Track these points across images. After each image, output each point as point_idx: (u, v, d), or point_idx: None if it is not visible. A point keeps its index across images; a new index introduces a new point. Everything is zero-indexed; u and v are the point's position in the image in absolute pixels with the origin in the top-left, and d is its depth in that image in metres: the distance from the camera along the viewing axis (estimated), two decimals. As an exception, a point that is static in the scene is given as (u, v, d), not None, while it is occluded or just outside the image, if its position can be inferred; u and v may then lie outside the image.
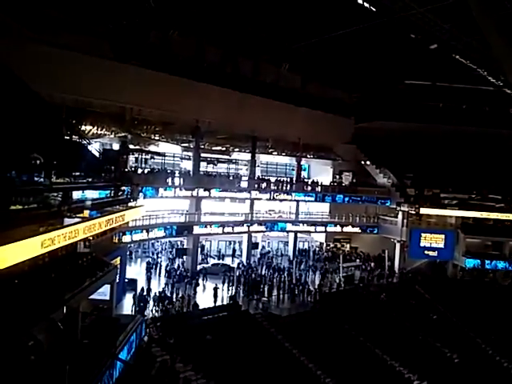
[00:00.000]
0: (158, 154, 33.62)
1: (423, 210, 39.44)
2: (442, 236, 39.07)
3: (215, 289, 28.30)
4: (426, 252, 39.40)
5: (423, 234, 39.17)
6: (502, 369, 30.75)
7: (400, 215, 40.62)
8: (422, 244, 39.13)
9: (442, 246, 39.02)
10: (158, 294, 26.25)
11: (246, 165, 40.37)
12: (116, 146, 31.60)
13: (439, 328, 32.11)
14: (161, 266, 32.61)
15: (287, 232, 40.72)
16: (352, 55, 36.05)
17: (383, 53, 35.32)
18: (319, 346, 25.72)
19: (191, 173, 34.51)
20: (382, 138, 43.40)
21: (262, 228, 38.19)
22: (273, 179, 40.73)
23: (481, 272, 40.25)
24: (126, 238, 27.50)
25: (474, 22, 25.17)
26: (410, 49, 33.93)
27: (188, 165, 35.94)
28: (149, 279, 29.42)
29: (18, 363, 10.79)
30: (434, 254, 39.39)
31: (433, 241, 39.10)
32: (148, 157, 31.17)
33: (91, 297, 16.69)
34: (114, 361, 15.52)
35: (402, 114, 44.27)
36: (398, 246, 40.57)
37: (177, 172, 34.87)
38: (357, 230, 42.15)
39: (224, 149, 38.34)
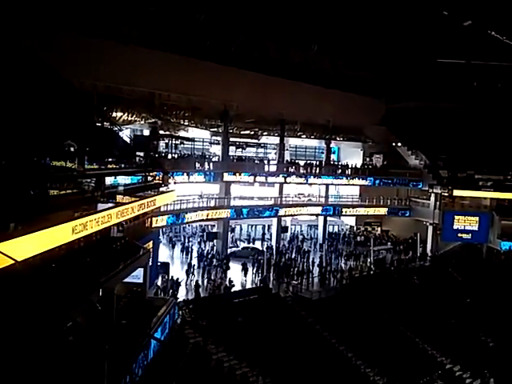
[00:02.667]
0: (188, 139, 33.83)
1: (456, 192, 38.53)
2: (476, 218, 38.16)
3: (244, 267, 29.06)
4: (459, 235, 38.55)
5: (456, 217, 38.34)
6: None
7: (432, 197, 39.85)
8: (455, 227, 38.32)
9: (476, 228, 38.12)
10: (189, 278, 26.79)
11: (274, 149, 40.21)
12: (146, 132, 32.02)
13: (473, 312, 31.63)
14: (192, 249, 33.09)
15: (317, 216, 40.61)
16: (383, 34, 35.13)
17: (415, 31, 34.30)
18: (350, 328, 25.79)
19: (220, 157, 34.66)
20: (414, 119, 42.36)
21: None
22: (302, 163, 40.53)
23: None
24: (159, 222, 27.94)
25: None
26: (442, 26, 32.85)
27: (217, 149, 36.09)
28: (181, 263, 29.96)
29: (57, 344, 11.21)
30: (468, 236, 38.52)
31: (466, 223, 38.24)
32: (178, 142, 31.43)
33: (125, 280, 17.15)
34: (149, 341, 15.97)
35: (434, 94, 42.99)
36: (430, 228, 39.88)
37: (207, 157, 35.10)
38: (385, 211, 41.77)
39: (252, 133, 38.25)
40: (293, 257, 34.43)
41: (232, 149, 36.45)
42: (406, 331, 27.69)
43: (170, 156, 30.79)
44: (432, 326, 28.71)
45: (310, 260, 33.32)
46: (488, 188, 39.14)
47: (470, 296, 33.49)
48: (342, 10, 30.90)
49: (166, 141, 31.34)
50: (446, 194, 38.84)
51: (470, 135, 41.21)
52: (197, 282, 26.36)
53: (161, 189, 24.04)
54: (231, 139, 35.91)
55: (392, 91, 44.49)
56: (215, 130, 35.30)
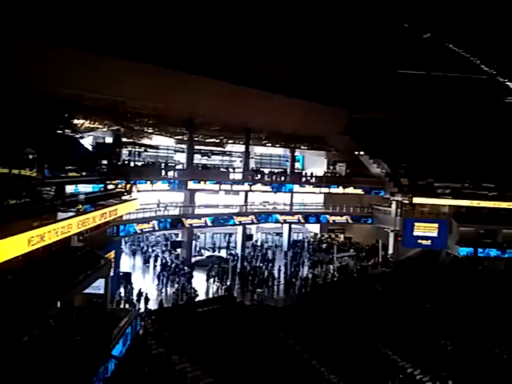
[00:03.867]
0: (152, 146, 33.55)
1: (416, 200, 39.70)
2: (436, 225, 39.32)
3: (208, 276, 29.20)
4: (419, 241, 39.63)
5: (416, 224, 39.41)
6: (493, 354, 31.22)
7: (393, 205, 40.86)
8: (415, 233, 39.38)
9: (435, 234, 39.28)
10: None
11: (240, 157, 40.33)
12: (109, 140, 31.52)
13: (432, 316, 32.51)
14: (155, 259, 32.71)
15: (281, 223, 40.87)
16: (345, 45, 35.96)
17: (377, 43, 35.25)
18: (313, 335, 26.00)
19: (185, 165, 34.48)
20: (376, 129, 43.41)
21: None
22: (267, 171, 40.80)
23: (474, 260, 40.66)
24: (120, 232, 27.52)
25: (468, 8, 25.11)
26: (403, 39, 33.89)
27: (182, 157, 35.90)
28: (143, 273, 29.56)
29: (13, 359, 10.87)
30: (428, 242, 39.64)
31: (426, 230, 39.36)
32: (141, 150, 31.10)
33: (86, 291, 16.78)
34: (109, 354, 15.66)
35: (395, 105, 44.18)
36: (391, 235, 40.81)
37: (171, 164, 34.85)
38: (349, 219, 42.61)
39: (218, 141, 38.23)
40: (258, 265, 34.47)
41: (197, 157, 36.32)
42: (369, 337, 28.17)
43: (133, 164, 30.39)
44: (393, 332, 29.31)
45: (275, 268, 33.46)
46: (446, 195, 40.49)
47: (430, 301, 34.42)
48: (306, 21, 31.45)
49: (130, 148, 30.96)
50: (407, 202, 39.92)
51: (429, 144, 42.52)
52: (160, 291, 26.07)
53: (123, 197, 23.71)
54: (196, 147, 35.81)
55: (355, 101, 45.48)
56: (180, 137, 35.10)
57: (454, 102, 45.42)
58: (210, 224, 34.89)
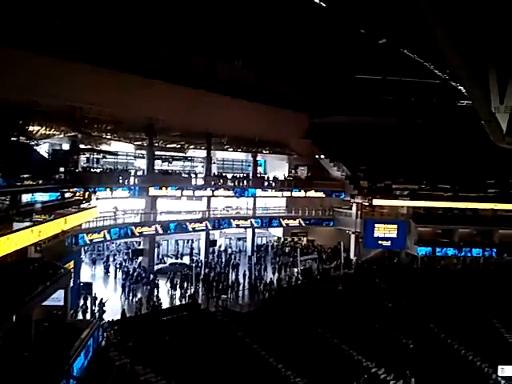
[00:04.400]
0: (111, 153, 32.86)
1: (376, 202, 40.61)
2: (395, 226, 40.28)
3: (172, 283, 28.81)
4: (379, 242, 40.51)
5: (377, 225, 40.27)
6: (454, 351, 32.25)
7: (354, 207, 41.59)
8: (375, 234, 40.23)
9: (394, 235, 40.23)
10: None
11: (201, 162, 40.07)
12: (66, 146, 30.65)
13: (394, 315, 33.25)
14: (116, 268, 32.01)
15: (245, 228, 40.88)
16: (305, 50, 36.41)
17: (335, 48, 35.85)
18: (278, 339, 26.05)
19: (145, 171, 33.93)
20: (336, 133, 44.12)
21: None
22: (229, 176, 40.73)
23: (432, 259, 41.96)
24: (80, 241, 26.75)
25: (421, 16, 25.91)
26: (360, 44, 34.58)
27: (142, 163, 35.31)
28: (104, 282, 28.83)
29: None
30: (388, 243, 40.58)
31: (386, 231, 40.27)
32: (100, 156, 30.42)
33: (45, 303, 16.21)
34: (69, 367, 15.15)
35: (353, 109, 45.12)
36: (352, 237, 41.52)
37: (131, 171, 34.21)
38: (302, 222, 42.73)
39: (179, 146, 37.90)
40: (222, 270, 34.26)
41: (158, 162, 35.82)
42: (333, 338, 28.49)
43: (91, 171, 29.65)
44: (357, 332, 29.77)
45: (240, 273, 33.37)
46: (405, 197, 41.60)
47: (391, 300, 35.20)
48: (265, 25, 31.64)
49: (88, 155, 30.21)
50: (367, 204, 40.74)
51: (387, 147, 43.58)
52: (124, 301, 25.51)
53: (82, 205, 23.13)
54: (157, 153, 35.31)
55: (315, 106, 46.19)
56: (140, 143, 34.55)
57: (409, 105, 46.88)
58: (160, 232, 33.81)
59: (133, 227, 31.94)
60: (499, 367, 31.13)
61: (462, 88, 30.69)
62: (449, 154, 43.75)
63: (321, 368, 25.33)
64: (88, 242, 28.45)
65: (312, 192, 42.75)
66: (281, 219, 42.07)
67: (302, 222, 42.51)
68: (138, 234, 32.50)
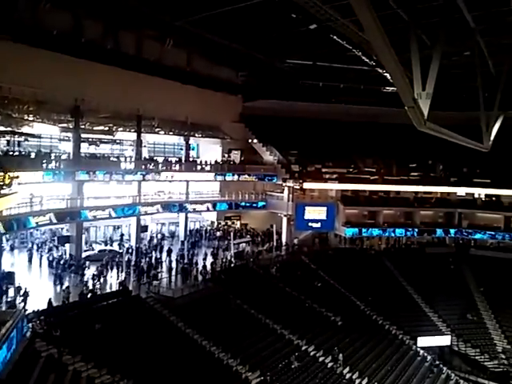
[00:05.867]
0: (33, 135, 31.05)
1: (306, 185, 41.60)
2: (324, 208, 41.53)
3: (101, 270, 28.07)
4: (310, 224, 41.68)
5: (307, 208, 41.33)
6: (379, 327, 34.20)
7: (286, 191, 42.37)
8: (306, 217, 41.29)
9: (324, 217, 41.52)
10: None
11: (131, 145, 38.89)
12: (-17, 129, 28.56)
13: (323, 294, 34.61)
14: (41, 255, 30.59)
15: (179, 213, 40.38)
16: (236, 33, 36.03)
17: (267, 31, 35.74)
18: (213, 323, 26.28)
19: (71, 155, 32.41)
20: (268, 117, 44.58)
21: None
22: (161, 159, 39.92)
23: (361, 240, 43.95)
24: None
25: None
26: (292, 28, 34.71)
27: (68, 146, 33.66)
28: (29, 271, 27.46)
29: None
30: (318, 225, 41.83)
31: (316, 213, 41.44)
32: (21, 139, 28.69)
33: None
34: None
35: (284, 93, 45.68)
36: (284, 220, 42.40)
37: (56, 155, 32.53)
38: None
39: (107, 129, 36.48)
40: (154, 256, 33.74)
41: (85, 146, 34.31)
42: (266, 319, 29.16)
43: (12, 154, 27.88)
44: (288, 312, 30.69)
45: (173, 258, 33.05)
46: (333, 180, 43.01)
47: (320, 280, 36.57)
48: (196, 6, 30.95)
49: (8, 138, 28.36)
50: (298, 187, 41.65)
51: (317, 132, 44.68)
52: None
53: (2, 191, 21.81)
54: (83, 135, 33.77)
55: (248, 89, 46.21)
56: (65, 125, 32.90)
57: (338, 91, 48.11)
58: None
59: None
60: (418, 338, 33.53)
61: (388, 75, 31.79)
62: (375, 138, 45.62)
63: (254, 349, 25.95)
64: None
65: (245, 176, 42.98)
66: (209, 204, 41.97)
67: (201, 206, 41.73)
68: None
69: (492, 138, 30.18)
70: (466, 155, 39.19)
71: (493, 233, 42.68)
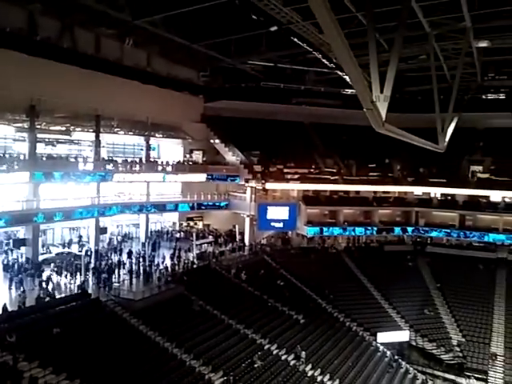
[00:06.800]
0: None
1: (269, 185, 41.92)
2: (286, 208, 41.94)
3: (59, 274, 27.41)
4: (272, 224, 41.99)
5: (269, 208, 41.62)
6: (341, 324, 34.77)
7: (248, 191, 42.49)
8: (269, 217, 41.58)
9: (286, 217, 41.91)
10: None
11: (89, 145, 37.97)
12: None
13: (284, 293, 34.91)
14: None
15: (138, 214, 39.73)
16: (197, 33, 35.86)
17: (228, 33, 35.75)
18: (174, 325, 26.09)
19: (27, 156, 31.36)
20: (230, 117, 44.70)
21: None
22: (120, 160, 39.18)
23: (322, 239, 44.63)
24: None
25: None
26: (252, 30, 34.85)
27: (23, 147, 32.55)
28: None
29: None
30: (280, 225, 42.20)
31: (278, 213, 41.78)
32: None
33: None
34: None
35: (246, 94, 45.85)
36: (247, 220, 42.51)
37: (8, 155, 31.43)
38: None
39: (64, 128, 35.52)
40: (114, 258, 33.10)
41: (41, 146, 33.28)
42: (229, 319, 29.16)
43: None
44: (251, 312, 30.82)
45: (133, 260, 32.54)
46: (295, 180, 43.50)
47: (283, 279, 36.89)
48: (156, 6, 30.62)
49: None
50: (260, 188, 41.87)
51: (278, 133, 45.09)
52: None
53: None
54: (39, 135, 32.75)
55: (209, 90, 46.06)
56: (20, 125, 31.83)
57: (299, 93, 48.62)
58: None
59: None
60: (378, 334, 34.37)
61: (347, 78, 32.36)
62: (336, 139, 46.44)
63: (217, 350, 25.89)
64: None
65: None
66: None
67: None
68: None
69: (447, 139, 31.29)
70: (422, 156, 40.52)
71: (448, 230, 44.24)
